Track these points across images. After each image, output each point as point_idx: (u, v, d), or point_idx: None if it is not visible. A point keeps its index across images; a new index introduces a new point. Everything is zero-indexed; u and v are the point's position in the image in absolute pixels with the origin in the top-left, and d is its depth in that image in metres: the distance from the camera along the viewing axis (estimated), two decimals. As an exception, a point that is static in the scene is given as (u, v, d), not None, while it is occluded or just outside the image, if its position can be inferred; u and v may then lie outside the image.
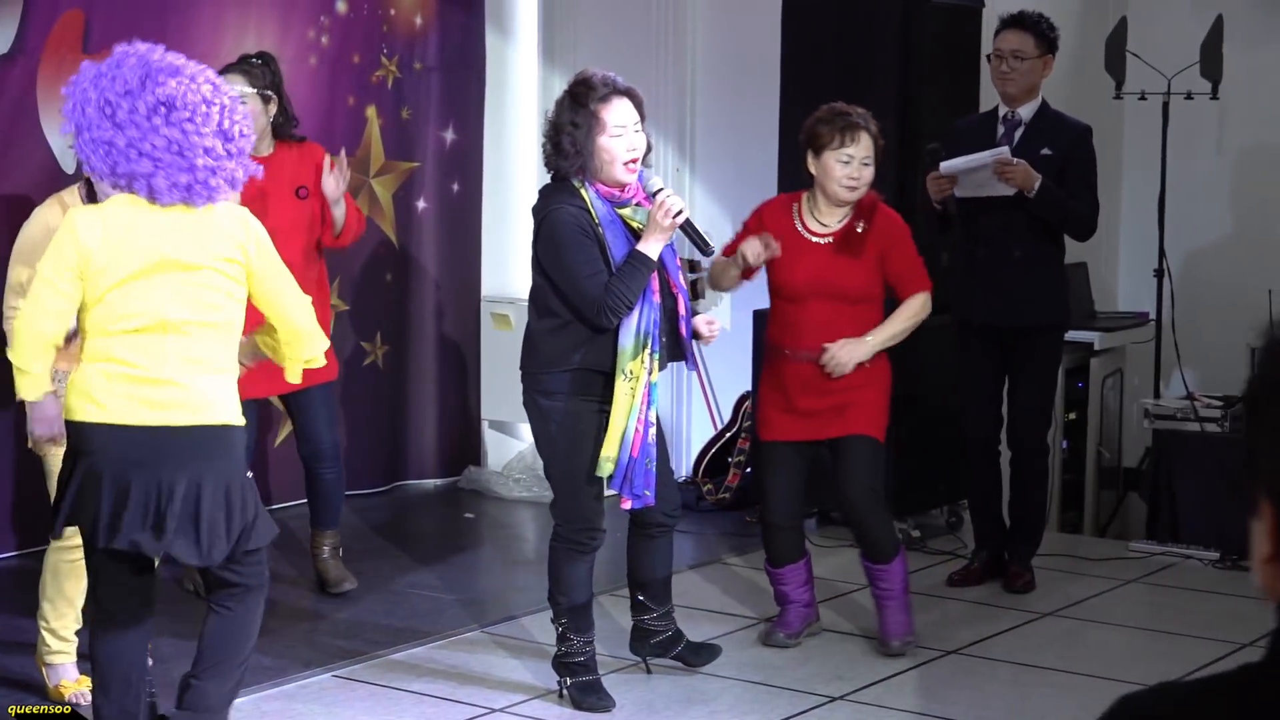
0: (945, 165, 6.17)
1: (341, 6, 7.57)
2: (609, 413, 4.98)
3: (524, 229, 8.35)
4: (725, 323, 7.63)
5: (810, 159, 5.55)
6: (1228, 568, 6.84)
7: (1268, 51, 8.27)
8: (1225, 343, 8.18)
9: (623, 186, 4.99)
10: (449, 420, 8.20)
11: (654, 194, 4.95)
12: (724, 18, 7.97)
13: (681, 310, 5.12)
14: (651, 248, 4.91)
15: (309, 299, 4.42)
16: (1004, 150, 6.03)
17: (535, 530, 7.43)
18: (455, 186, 8.14)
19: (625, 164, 4.95)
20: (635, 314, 4.93)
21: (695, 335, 5.21)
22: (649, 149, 5.08)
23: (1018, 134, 6.28)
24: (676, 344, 5.13)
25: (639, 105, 5.02)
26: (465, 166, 8.18)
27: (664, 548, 5.34)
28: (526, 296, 5.22)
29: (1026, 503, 6.47)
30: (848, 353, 5.45)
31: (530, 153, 8.39)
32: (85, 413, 4.13)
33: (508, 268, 8.34)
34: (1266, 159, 8.38)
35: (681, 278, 5.18)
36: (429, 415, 8.15)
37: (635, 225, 4.99)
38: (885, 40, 6.89)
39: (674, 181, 7.81)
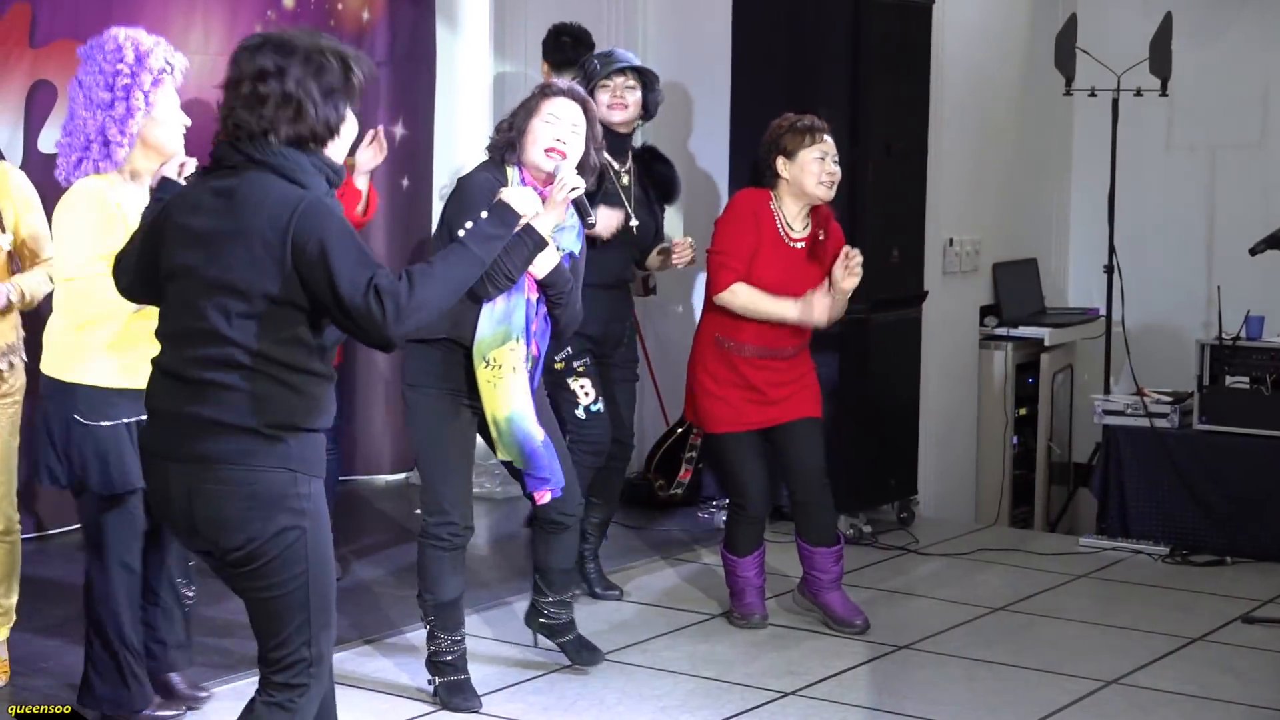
0: None
1: (288, 1, 7.53)
2: (471, 406, 5.01)
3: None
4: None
5: (782, 163, 5.67)
6: (1177, 563, 6.87)
7: (1216, 48, 8.32)
8: (1175, 339, 8.22)
9: (546, 179, 4.99)
10: (399, 416, 8.14)
11: (554, 171, 4.96)
12: (675, 15, 7.96)
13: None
14: (542, 223, 4.75)
15: None
16: None
17: (486, 525, 7.40)
18: (405, 182, 8.09)
19: (546, 149, 5.00)
20: (502, 302, 4.91)
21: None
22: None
23: None
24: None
25: (589, 116, 5.07)
26: (415, 161, 8.13)
27: (561, 542, 5.32)
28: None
29: None
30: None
31: (481, 148, 8.33)
32: None
33: (458, 263, 8.29)
34: (1215, 155, 8.42)
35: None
36: (378, 411, 8.11)
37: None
38: (835, 38, 6.90)
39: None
